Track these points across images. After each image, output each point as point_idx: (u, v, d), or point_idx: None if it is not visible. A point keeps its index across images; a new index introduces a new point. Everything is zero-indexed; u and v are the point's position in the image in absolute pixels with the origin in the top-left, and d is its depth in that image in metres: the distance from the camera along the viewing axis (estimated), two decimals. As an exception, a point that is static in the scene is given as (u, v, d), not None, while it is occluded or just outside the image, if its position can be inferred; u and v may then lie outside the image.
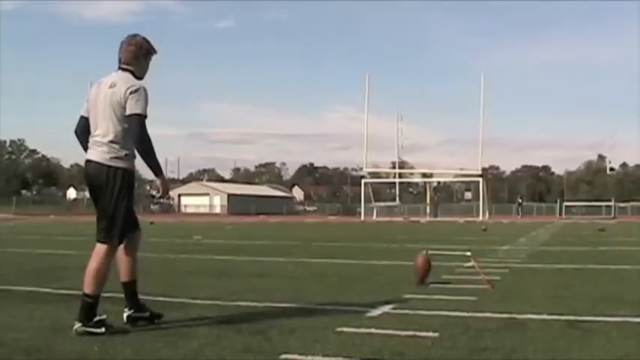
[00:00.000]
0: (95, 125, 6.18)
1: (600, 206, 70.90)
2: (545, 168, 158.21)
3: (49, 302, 7.82)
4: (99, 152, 6.11)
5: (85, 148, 6.28)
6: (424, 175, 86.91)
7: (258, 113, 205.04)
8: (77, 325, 5.91)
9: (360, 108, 62.89)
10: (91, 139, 6.20)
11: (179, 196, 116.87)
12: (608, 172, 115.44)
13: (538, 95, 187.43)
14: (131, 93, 6.03)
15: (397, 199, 78.12)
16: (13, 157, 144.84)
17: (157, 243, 20.25)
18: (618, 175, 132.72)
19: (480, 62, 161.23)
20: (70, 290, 7.99)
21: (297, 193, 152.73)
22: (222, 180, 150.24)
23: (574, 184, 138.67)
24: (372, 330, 6.01)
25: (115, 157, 6.07)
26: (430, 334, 5.84)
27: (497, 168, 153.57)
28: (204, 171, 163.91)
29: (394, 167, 79.48)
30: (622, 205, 77.06)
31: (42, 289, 9.04)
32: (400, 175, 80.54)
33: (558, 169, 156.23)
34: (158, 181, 6.37)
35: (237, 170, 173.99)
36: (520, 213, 68.21)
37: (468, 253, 10.30)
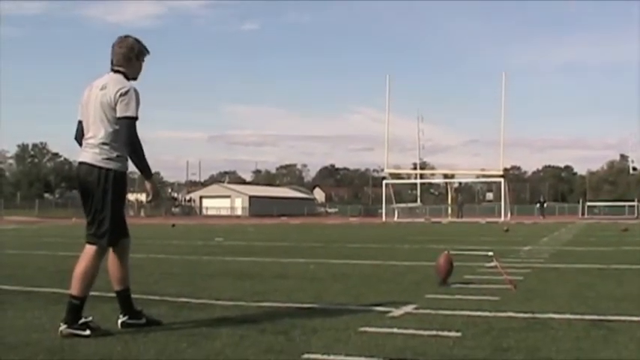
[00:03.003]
0: (87, 128, 6.17)
1: (623, 206, 70.48)
2: (568, 168, 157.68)
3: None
4: (90, 154, 6.09)
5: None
6: (445, 176, 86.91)
7: (279, 115, 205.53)
8: (63, 327, 5.91)
9: (382, 109, 62.89)
10: (83, 142, 6.19)
11: (200, 198, 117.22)
12: (630, 171, 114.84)
13: (560, 95, 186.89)
14: (121, 95, 6.01)
15: (418, 200, 78.07)
16: (36, 160, 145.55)
17: (178, 245, 20.32)
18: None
19: (501, 62, 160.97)
20: (94, 292, 8.03)
21: (319, 194, 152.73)
22: (243, 182, 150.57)
23: (596, 185, 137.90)
24: (395, 330, 6.01)
25: (107, 159, 6.05)
26: (452, 333, 5.83)
27: (518, 168, 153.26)
28: (225, 173, 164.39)
29: (415, 168, 79.51)
30: (645, 205, 76.57)
31: (65, 291, 9.06)
32: (421, 176, 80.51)
33: (580, 169, 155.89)
34: (148, 185, 6.43)
35: (258, 172, 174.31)
36: (543, 214, 67.94)
37: (490, 253, 10.27)
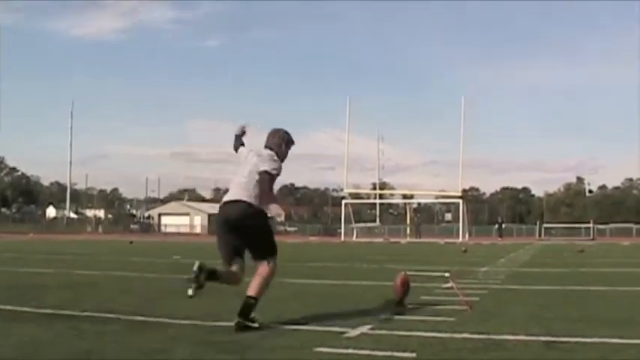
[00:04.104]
0: (235, 176, 7.95)
1: (580, 228, 71.23)
2: (525, 190, 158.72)
3: (30, 321, 7.76)
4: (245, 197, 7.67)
5: (237, 147, 8.30)
6: (404, 197, 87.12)
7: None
8: (239, 319, 7.20)
9: (344, 129, 63.02)
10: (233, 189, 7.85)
11: (159, 215, 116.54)
12: (587, 194, 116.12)
13: (519, 118, 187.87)
14: (270, 160, 7.81)
15: (377, 219, 78.28)
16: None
17: (136, 262, 20.18)
18: (597, 197, 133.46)
19: (462, 84, 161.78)
20: (49, 309, 7.94)
21: (278, 212, 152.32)
22: (203, 200, 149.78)
23: (554, 206, 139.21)
24: (350, 350, 6.01)
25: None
26: (408, 354, 5.84)
27: (477, 189, 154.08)
28: (185, 190, 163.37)
29: (375, 188, 79.70)
30: (601, 226, 77.37)
31: (21, 308, 8.98)
32: (380, 196, 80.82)
33: (538, 191, 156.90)
34: (274, 206, 7.83)
35: (218, 190, 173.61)
36: (500, 234, 68.42)
37: (447, 274, 10.32)
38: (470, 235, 62.30)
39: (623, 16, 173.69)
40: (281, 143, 8.05)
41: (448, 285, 10.52)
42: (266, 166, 7.72)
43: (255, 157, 7.88)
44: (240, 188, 7.74)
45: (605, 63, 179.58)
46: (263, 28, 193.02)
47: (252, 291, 7.53)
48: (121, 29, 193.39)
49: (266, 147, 8.02)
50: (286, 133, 8.19)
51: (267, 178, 7.72)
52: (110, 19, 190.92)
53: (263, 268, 7.80)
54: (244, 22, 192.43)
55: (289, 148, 8.15)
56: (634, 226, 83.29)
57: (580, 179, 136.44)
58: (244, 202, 7.60)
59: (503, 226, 73.65)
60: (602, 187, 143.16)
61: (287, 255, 26.47)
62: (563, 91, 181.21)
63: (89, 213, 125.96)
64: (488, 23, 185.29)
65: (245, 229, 7.65)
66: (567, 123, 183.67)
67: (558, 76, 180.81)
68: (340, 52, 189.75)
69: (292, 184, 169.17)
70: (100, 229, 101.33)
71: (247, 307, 7.35)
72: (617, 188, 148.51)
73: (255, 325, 7.26)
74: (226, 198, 7.84)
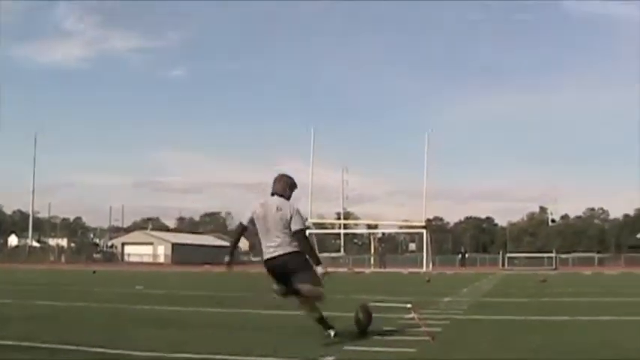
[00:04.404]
0: (268, 235, 9.20)
1: (542, 257, 71.62)
2: (489, 219, 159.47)
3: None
4: (280, 249, 9.12)
5: (235, 247, 10.22)
6: (369, 227, 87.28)
7: (205, 162, 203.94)
8: (332, 332, 9.29)
9: (309, 159, 63.13)
10: (266, 246, 9.26)
11: (122, 244, 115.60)
12: (549, 223, 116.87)
13: (483, 147, 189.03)
14: (294, 215, 9.12)
15: (342, 249, 78.28)
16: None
17: (98, 293, 20.02)
18: (559, 227, 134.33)
19: (427, 115, 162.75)
20: (8, 341, 7.85)
21: (242, 243, 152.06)
22: (166, 229, 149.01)
23: (517, 236, 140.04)
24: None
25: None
26: (369, 385, 5.86)
27: (441, 219, 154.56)
28: (149, 220, 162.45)
29: (339, 218, 79.76)
30: (563, 256, 77.94)
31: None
32: (345, 226, 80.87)
33: (501, 221, 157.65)
34: (320, 269, 9.24)
35: (182, 219, 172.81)
36: (463, 264, 68.70)
37: (409, 305, 10.35)
38: (434, 264, 62.43)
39: (582, 47, 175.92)
40: (285, 187, 9.39)
41: (410, 316, 10.55)
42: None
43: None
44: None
45: (565, 93, 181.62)
46: (228, 59, 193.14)
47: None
48: (86, 58, 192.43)
49: (273, 194, 9.34)
50: (289, 177, 9.57)
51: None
52: (75, 47, 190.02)
53: None
54: (209, 52, 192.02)
55: (292, 191, 9.49)
56: (596, 256, 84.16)
57: (543, 209, 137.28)
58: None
59: (467, 255, 74.01)
60: (565, 217, 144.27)
61: (250, 285, 26.41)
62: (525, 121, 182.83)
63: (52, 242, 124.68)
64: (452, 55, 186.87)
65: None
66: (530, 153, 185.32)
67: (520, 107, 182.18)
68: (305, 83, 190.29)
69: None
70: (63, 259, 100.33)
71: None
72: (579, 218, 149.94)
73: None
74: None
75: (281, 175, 9.56)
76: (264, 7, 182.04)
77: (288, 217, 9.06)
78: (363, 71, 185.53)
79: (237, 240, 10.18)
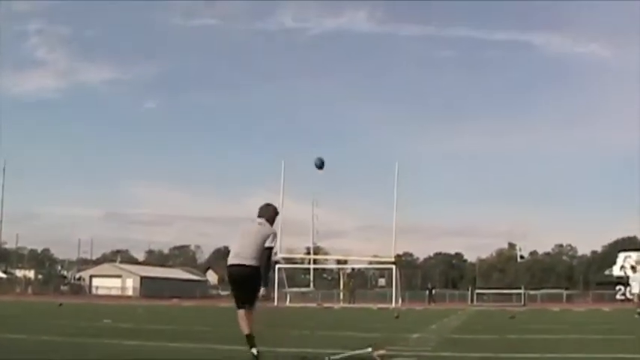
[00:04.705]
0: (248, 245, 10.60)
1: (511, 294, 71.80)
2: (458, 255, 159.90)
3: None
4: (249, 260, 10.54)
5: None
6: (338, 262, 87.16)
7: (174, 195, 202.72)
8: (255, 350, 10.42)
9: (278, 193, 62.97)
10: (241, 251, 10.66)
11: (90, 277, 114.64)
12: (518, 259, 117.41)
13: (452, 183, 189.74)
14: (272, 235, 10.76)
15: (311, 284, 78.12)
16: None
17: (64, 326, 19.83)
18: (528, 263, 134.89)
19: (396, 150, 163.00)
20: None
21: (212, 276, 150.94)
22: (135, 262, 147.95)
23: (486, 272, 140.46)
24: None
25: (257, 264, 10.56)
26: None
27: (411, 255, 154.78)
28: (118, 252, 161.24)
29: (309, 253, 79.65)
30: (532, 292, 78.18)
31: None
32: (314, 261, 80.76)
33: (471, 257, 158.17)
34: (265, 290, 10.75)
35: (151, 252, 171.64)
36: (433, 300, 68.76)
37: (369, 349, 10.35)
38: (403, 300, 62.47)
39: (551, 84, 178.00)
40: (273, 215, 11.11)
41: (376, 353, 10.52)
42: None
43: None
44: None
45: (535, 130, 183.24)
46: (200, 91, 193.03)
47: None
48: (57, 88, 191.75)
49: (260, 216, 11.01)
50: (275, 206, 11.28)
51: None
52: (48, 78, 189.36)
53: None
54: (182, 85, 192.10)
55: (275, 219, 11.17)
56: (564, 292, 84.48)
57: (512, 245, 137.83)
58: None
59: (434, 291, 74.10)
60: (533, 253, 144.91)
61: (219, 320, 26.29)
62: (493, 157, 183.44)
63: (19, 273, 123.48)
64: (419, 91, 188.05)
65: None
66: (499, 189, 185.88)
67: (488, 143, 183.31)
68: (275, 115, 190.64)
69: (226, 247, 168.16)
70: (30, 290, 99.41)
71: None
72: (547, 254, 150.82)
73: None
74: None
75: (268, 204, 11.22)
76: (236, 42, 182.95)
77: (266, 235, 10.63)
78: (334, 104, 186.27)
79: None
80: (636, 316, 28.70)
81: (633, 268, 39.91)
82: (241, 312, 10.62)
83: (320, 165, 17.33)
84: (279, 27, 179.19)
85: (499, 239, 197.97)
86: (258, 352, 10.40)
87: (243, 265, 10.47)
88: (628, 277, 39.88)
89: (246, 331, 10.61)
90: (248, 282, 10.52)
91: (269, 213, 11.05)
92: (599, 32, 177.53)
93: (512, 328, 22.24)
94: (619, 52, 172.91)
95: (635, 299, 32.68)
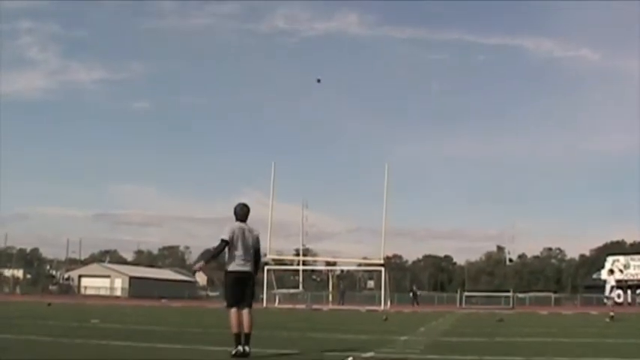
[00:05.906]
0: (245, 249, 11.74)
1: (500, 297, 71.98)
2: (447, 258, 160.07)
3: None
4: (248, 266, 11.85)
5: (214, 258, 12.67)
6: (328, 263, 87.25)
7: (164, 196, 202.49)
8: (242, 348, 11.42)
9: (268, 194, 62.88)
10: (242, 256, 11.73)
11: (79, 277, 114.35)
12: (507, 263, 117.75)
13: (442, 186, 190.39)
14: (258, 237, 12.17)
15: (300, 286, 78.11)
16: None
17: (52, 326, 19.79)
18: (517, 266, 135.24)
19: (386, 153, 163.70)
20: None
21: (200, 277, 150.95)
22: (124, 262, 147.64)
23: (475, 275, 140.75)
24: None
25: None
26: None
27: (400, 257, 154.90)
28: (106, 252, 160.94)
29: (298, 254, 79.64)
30: (520, 295, 78.48)
31: None
32: (304, 263, 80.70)
33: (460, 260, 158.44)
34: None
35: (140, 252, 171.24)
36: (417, 302, 68.78)
37: (350, 359, 10.40)
38: (392, 302, 62.51)
39: (537, 87, 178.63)
40: (247, 214, 12.04)
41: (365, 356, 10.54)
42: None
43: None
44: None
45: (524, 134, 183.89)
46: (190, 91, 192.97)
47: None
48: (47, 89, 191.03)
49: (238, 219, 11.89)
50: (248, 207, 12.17)
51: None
52: (38, 77, 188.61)
53: None
54: (172, 84, 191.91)
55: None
56: (552, 295, 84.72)
57: (500, 248, 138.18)
58: None
59: (418, 293, 74.20)
60: (522, 256, 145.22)
61: (207, 321, 26.28)
62: (483, 161, 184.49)
63: (7, 273, 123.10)
64: (410, 94, 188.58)
65: None
66: (488, 192, 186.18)
67: (478, 147, 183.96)
68: (265, 117, 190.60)
69: (215, 249, 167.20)
70: (18, 290, 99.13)
71: None
72: (536, 257, 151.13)
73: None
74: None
75: (243, 205, 12.10)
76: (226, 44, 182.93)
77: (255, 238, 11.94)
78: (324, 105, 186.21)
79: (219, 253, 11.93)
80: (607, 319, 28.92)
81: (611, 271, 40.09)
82: (234, 310, 11.58)
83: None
84: (271, 29, 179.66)
85: (488, 242, 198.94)
86: (247, 350, 11.32)
87: (248, 271, 11.74)
88: (605, 281, 39.88)
89: (236, 329, 11.48)
90: (250, 284, 11.84)
91: (245, 214, 12.04)
92: (590, 37, 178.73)
93: (500, 331, 22.26)
94: (609, 56, 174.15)
95: (610, 303, 32.85)
